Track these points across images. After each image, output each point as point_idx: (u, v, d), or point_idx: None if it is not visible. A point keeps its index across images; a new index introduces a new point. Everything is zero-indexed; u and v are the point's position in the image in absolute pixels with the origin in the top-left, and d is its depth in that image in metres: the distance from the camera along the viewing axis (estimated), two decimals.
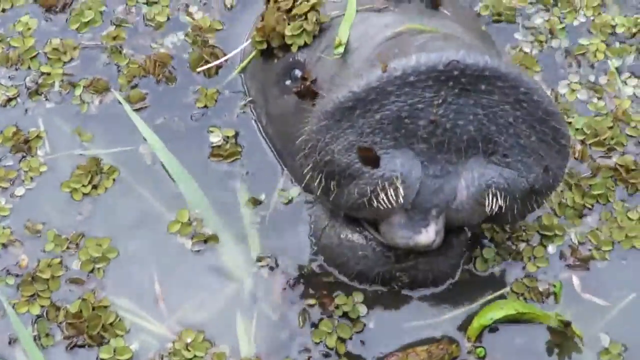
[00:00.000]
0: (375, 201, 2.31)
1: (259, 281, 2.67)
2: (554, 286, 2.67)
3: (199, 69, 2.95)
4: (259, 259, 2.68)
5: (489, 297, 2.66)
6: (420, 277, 2.59)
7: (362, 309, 2.62)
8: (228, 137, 2.89)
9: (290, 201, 2.79)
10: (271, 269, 2.67)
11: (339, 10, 2.62)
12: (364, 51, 2.43)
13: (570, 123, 2.88)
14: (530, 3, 3.18)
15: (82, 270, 2.68)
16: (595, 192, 2.81)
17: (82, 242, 2.72)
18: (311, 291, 2.66)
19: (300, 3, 2.62)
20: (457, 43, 2.32)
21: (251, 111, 2.92)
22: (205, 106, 2.95)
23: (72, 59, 3.02)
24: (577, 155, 2.86)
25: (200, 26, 3.02)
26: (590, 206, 2.81)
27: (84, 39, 3.08)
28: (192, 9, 3.10)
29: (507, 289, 2.67)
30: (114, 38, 3.06)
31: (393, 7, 2.60)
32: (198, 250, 2.70)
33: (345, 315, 2.62)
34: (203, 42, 3.00)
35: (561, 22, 3.15)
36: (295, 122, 2.53)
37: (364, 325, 2.61)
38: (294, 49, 2.63)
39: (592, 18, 3.14)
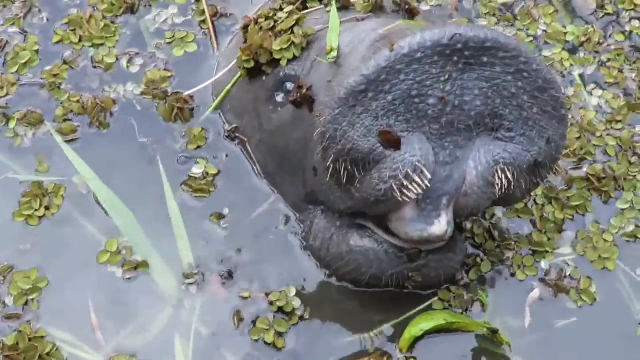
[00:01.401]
0: (400, 189, 2.31)
1: (190, 299, 2.66)
2: (481, 295, 2.69)
3: (189, 92, 2.93)
4: (187, 276, 2.67)
5: (419, 307, 2.66)
6: (432, 275, 2.58)
7: (297, 302, 2.63)
8: (208, 173, 2.86)
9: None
10: (198, 285, 2.67)
11: (322, 25, 2.64)
12: (357, 52, 2.43)
13: None
14: (495, 23, 3.21)
15: (16, 305, 2.64)
16: (574, 204, 2.85)
17: (10, 276, 2.67)
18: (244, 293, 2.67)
19: (283, 21, 2.63)
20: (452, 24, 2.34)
21: (234, 138, 2.89)
22: (199, 146, 2.91)
23: (7, 94, 2.98)
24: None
25: (153, 79, 2.99)
26: (570, 217, 2.84)
27: (25, 78, 3.04)
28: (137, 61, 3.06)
29: (435, 298, 2.68)
30: (55, 75, 3.01)
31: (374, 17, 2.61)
32: (129, 278, 2.68)
33: (280, 310, 2.63)
34: (163, 92, 2.97)
35: (527, 36, 3.18)
36: (293, 132, 2.57)
37: (300, 317, 2.63)
38: (283, 62, 2.62)
39: (544, 29, 3.19)
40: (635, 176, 2.92)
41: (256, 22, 2.68)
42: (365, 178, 2.36)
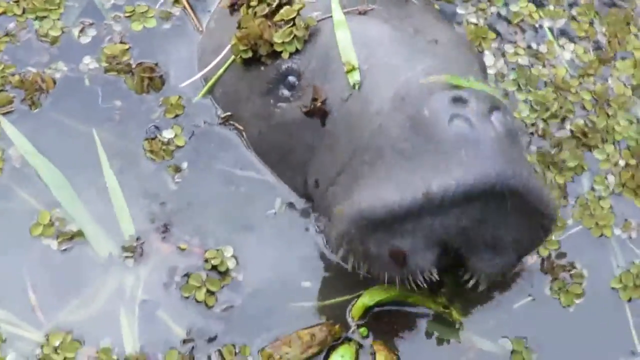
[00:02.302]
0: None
1: (132, 270, 2.60)
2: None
3: (184, 84, 2.84)
4: (127, 249, 2.60)
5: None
6: None
7: (232, 263, 2.59)
8: (176, 144, 2.79)
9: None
10: (141, 255, 2.61)
11: (320, 12, 2.58)
12: (381, 83, 2.40)
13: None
14: None
15: None
16: (571, 165, 2.82)
17: None
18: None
19: (278, 6, 2.57)
20: (490, 138, 2.24)
21: (228, 124, 2.81)
22: (177, 115, 2.82)
23: None
24: (539, 132, 2.86)
25: (113, 54, 2.87)
26: (571, 180, 2.81)
27: None
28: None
29: None
30: None
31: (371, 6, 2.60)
32: (65, 249, 2.60)
33: (214, 268, 2.60)
34: (127, 65, 2.87)
35: None
36: (299, 135, 2.56)
37: (232, 278, 2.59)
38: (285, 55, 2.56)
39: None
40: (614, 128, 2.90)
41: (248, 5, 2.60)
42: (372, 272, 2.40)
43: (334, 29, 2.52)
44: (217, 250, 2.60)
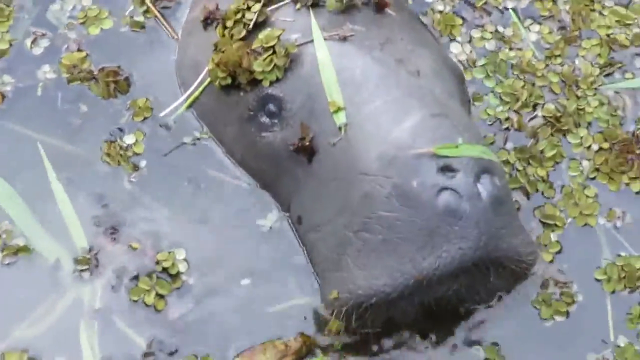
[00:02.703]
0: None
1: (86, 282, 2.56)
2: None
3: (165, 112, 2.77)
4: (78, 262, 2.56)
5: None
6: None
7: (183, 266, 2.57)
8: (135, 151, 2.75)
9: None
10: (95, 267, 2.57)
11: (299, 34, 2.53)
12: (365, 134, 2.37)
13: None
14: None
15: None
16: (549, 155, 2.79)
17: None
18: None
19: (255, 26, 2.54)
20: (477, 210, 2.26)
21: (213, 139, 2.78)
22: (145, 118, 2.80)
23: None
24: (515, 125, 2.83)
25: (73, 64, 2.83)
26: (553, 169, 2.79)
27: None
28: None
29: None
30: None
31: (351, 27, 2.55)
32: (15, 263, 2.56)
33: (165, 271, 2.57)
34: (89, 72, 2.83)
35: None
36: (285, 167, 2.53)
37: (183, 281, 2.57)
38: (265, 84, 2.51)
39: None
40: (584, 109, 2.87)
41: (224, 26, 2.56)
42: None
43: (319, 66, 2.47)
44: (169, 252, 2.57)
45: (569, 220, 2.71)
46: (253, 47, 2.50)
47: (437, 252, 2.24)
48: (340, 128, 2.40)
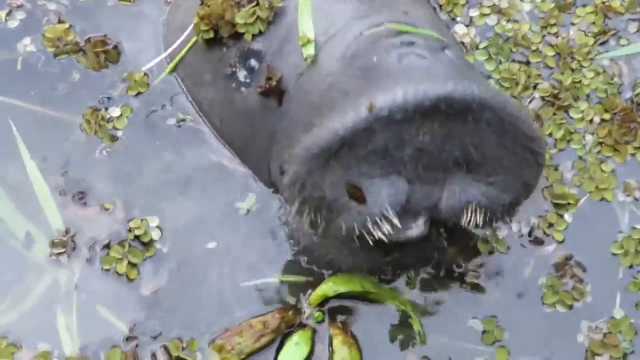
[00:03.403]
0: (370, 232, 2.24)
1: (63, 265, 2.52)
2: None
3: (146, 67, 2.73)
4: (56, 244, 2.52)
5: None
6: (408, 264, 2.56)
7: (155, 233, 2.54)
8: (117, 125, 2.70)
9: None
10: (71, 249, 2.53)
11: None
12: (334, 49, 2.32)
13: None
14: None
15: None
16: (557, 137, 2.77)
17: None
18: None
19: None
20: (442, 63, 2.24)
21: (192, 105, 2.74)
22: (139, 92, 2.73)
23: None
24: None
25: (57, 36, 2.76)
26: (562, 148, 2.76)
27: None
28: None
29: None
30: None
31: None
32: None
33: (137, 238, 2.55)
34: (75, 44, 2.76)
35: None
36: (260, 122, 2.47)
37: (156, 250, 2.54)
38: (247, 37, 2.46)
39: None
40: (580, 81, 2.83)
41: None
42: (331, 224, 2.27)
43: (298, 4, 2.42)
44: (142, 220, 2.54)
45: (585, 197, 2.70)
46: None
47: (396, 88, 2.12)
48: (306, 59, 2.34)
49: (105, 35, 2.76)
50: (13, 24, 2.77)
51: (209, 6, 2.47)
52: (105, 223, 2.54)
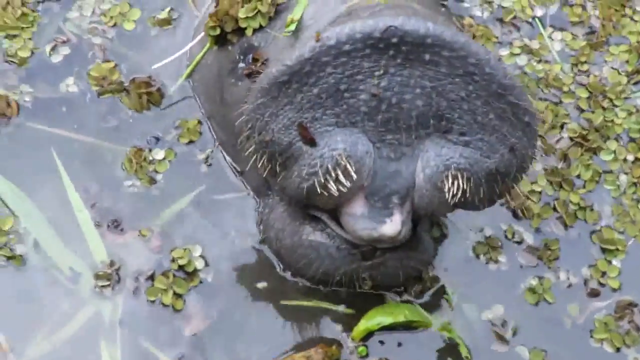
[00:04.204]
0: (327, 184, 2.16)
1: (107, 297, 2.52)
2: (445, 293, 2.58)
3: (156, 65, 2.75)
4: (99, 277, 2.52)
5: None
6: (390, 275, 2.42)
7: (199, 263, 2.53)
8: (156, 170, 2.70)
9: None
10: (116, 282, 2.52)
11: None
12: (316, 27, 2.27)
13: None
14: None
15: None
16: (586, 178, 2.75)
17: None
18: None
19: None
20: (406, 12, 2.17)
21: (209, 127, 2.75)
22: (191, 141, 2.73)
23: None
24: (540, 151, 2.78)
25: (102, 76, 2.76)
26: (591, 189, 2.74)
27: None
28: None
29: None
30: None
31: None
32: (32, 277, 2.51)
33: (181, 268, 2.54)
34: (119, 83, 2.76)
35: None
36: None
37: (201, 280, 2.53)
38: (248, 32, 2.45)
39: None
40: (612, 120, 2.82)
41: None
42: (288, 174, 2.23)
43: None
44: (184, 249, 2.54)
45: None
46: None
47: (344, 23, 2.09)
48: (285, 34, 2.33)
49: (150, 77, 2.76)
50: (57, 58, 2.78)
51: (218, 3, 2.50)
52: (144, 252, 2.54)
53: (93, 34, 2.83)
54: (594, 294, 2.60)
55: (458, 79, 2.11)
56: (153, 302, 2.47)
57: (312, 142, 2.17)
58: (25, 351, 2.42)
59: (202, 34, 2.61)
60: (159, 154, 2.67)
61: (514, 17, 2.97)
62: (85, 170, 2.65)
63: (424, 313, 2.52)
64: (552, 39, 2.95)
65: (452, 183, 2.16)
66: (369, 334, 2.49)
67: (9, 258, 2.50)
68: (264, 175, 2.27)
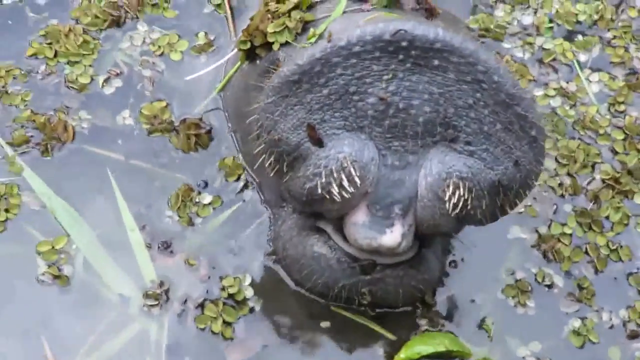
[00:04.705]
0: (329, 187, 2.18)
1: (154, 317, 2.55)
2: (484, 323, 2.62)
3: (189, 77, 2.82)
4: (148, 295, 2.55)
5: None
6: (390, 293, 2.43)
7: (249, 291, 2.55)
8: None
9: None
10: (164, 302, 2.56)
11: (325, 13, 2.47)
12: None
13: None
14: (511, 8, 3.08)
15: None
16: (614, 220, 2.77)
17: None
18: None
19: (285, 2, 2.50)
20: (421, 19, 2.20)
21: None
22: (239, 177, 2.77)
23: None
24: (569, 190, 2.79)
25: (153, 114, 2.81)
26: (619, 232, 2.76)
27: None
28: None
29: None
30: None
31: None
32: (80, 295, 2.55)
33: (231, 297, 2.55)
34: (169, 123, 2.81)
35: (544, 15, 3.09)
36: None
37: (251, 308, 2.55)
38: (275, 47, 2.47)
39: (556, 8, 3.09)
40: None
41: (266, 4, 2.54)
42: (295, 175, 2.25)
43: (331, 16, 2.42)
44: (235, 278, 2.57)
45: None
46: (275, 13, 2.48)
47: (357, 26, 2.13)
48: (305, 45, 2.35)
49: (200, 119, 2.79)
50: (109, 90, 2.83)
51: (252, 20, 2.55)
52: (192, 276, 2.58)
53: (143, 67, 2.89)
54: (634, 335, 2.65)
55: (466, 85, 2.13)
56: (203, 329, 2.52)
57: (319, 143, 2.20)
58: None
59: (235, 50, 2.67)
60: (206, 198, 2.70)
61: (554, 59, 2.99)
62: (136, 192, 2.70)
63: (464, 343, 2.55)
64: (590, 81, 2.96)
65: (454, 192, 2.16)
66: None
67: (55, 277, 2.56)
68: (271, 175, 2.27)
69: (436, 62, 2.11)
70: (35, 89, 2.83)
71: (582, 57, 3.02)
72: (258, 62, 2.53)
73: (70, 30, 2.89)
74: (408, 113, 2.15)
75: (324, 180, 2.17)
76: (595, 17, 3.08)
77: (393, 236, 2.22)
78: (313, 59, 2.14)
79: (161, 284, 2.56)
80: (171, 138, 2.78)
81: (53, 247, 2.60)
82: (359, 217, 2.25)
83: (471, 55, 2.11)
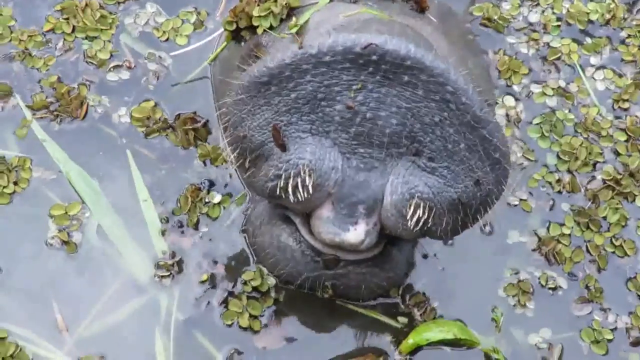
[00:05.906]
0: (287, 190, 2.22)
1: (165, 288, 2.59)
2: (494, 313, 2.65)
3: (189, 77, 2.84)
4: (159, 266, 2.58)
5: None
6: (352, 288, 2.48)
7: (272, 281, 2.57)
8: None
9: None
10: (176, 273, 2.59)
11: (313, 1, 2.50)
12: (314, 33, 2.34)
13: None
14: (518, 5, 3.09)
15: None
16: (611, 221, 2.78)
17: None
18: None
19: None
20: (393, 29, 2.21)
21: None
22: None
23: None
24: (567, 187, 2.80)
25: (145, 116, 2.81)
26: (616, 233, 2.77)
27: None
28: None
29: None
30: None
31: (371, 2, 2.45)
32: (92, 262, 2.59)
33: (255, 289, 2.57)
34: (163, 122, 2.81)
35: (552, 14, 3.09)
36: None
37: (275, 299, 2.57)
38: (259, 30, 2.52)
39: (567, 7, 3.07)
40: None
41: None
42: (256, 172, 2.29)
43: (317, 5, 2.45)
44: (254, 272, 2.59)
45: None
46: None
47: (330, 35, 2.15)
48: (286, 35, 2.39)
49: (195, 113, 2.79)
50: (113, 77, 2.84)
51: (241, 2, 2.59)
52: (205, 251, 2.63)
53: (149, 60, 2.89)
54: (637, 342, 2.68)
55: (434, 103, 2.16)
56: (230, 325, 2.55)
57: (282, 147, 2.23)
58: (78, 330, 2.52)
59: (222, 30, 2.70)
60: (215, 197, 2.71)
61: (558, 58, 2.98)
62: (156, 169, 2.74)
63: (473, 332, 2.59)
64: (595, 79, 2.96)
65: (414, 211, 2.21)
66: (416, 348, 2.56)
67: (64, 242, 2.60)
68: (234, 169, 2.34)
69: (406, 78, 2.15)
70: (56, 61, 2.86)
71: (592, 60, 3.00)
72: (243, 43, 2.58)
73: (86, 4, 2.92)
74: (375, 123, 2.19)
75: (282, 183, 2.22)
76: (608, 16, 3.06)
77: (356, 233, 2.27)
78: (283, 63, 2.17)
79: (173, 255, 2.60)
80: (169, 136, 2.79)
81: (66, 212, 2.63)
82: (325, 212, 2.29)
83: (441, 74, 2.14)
